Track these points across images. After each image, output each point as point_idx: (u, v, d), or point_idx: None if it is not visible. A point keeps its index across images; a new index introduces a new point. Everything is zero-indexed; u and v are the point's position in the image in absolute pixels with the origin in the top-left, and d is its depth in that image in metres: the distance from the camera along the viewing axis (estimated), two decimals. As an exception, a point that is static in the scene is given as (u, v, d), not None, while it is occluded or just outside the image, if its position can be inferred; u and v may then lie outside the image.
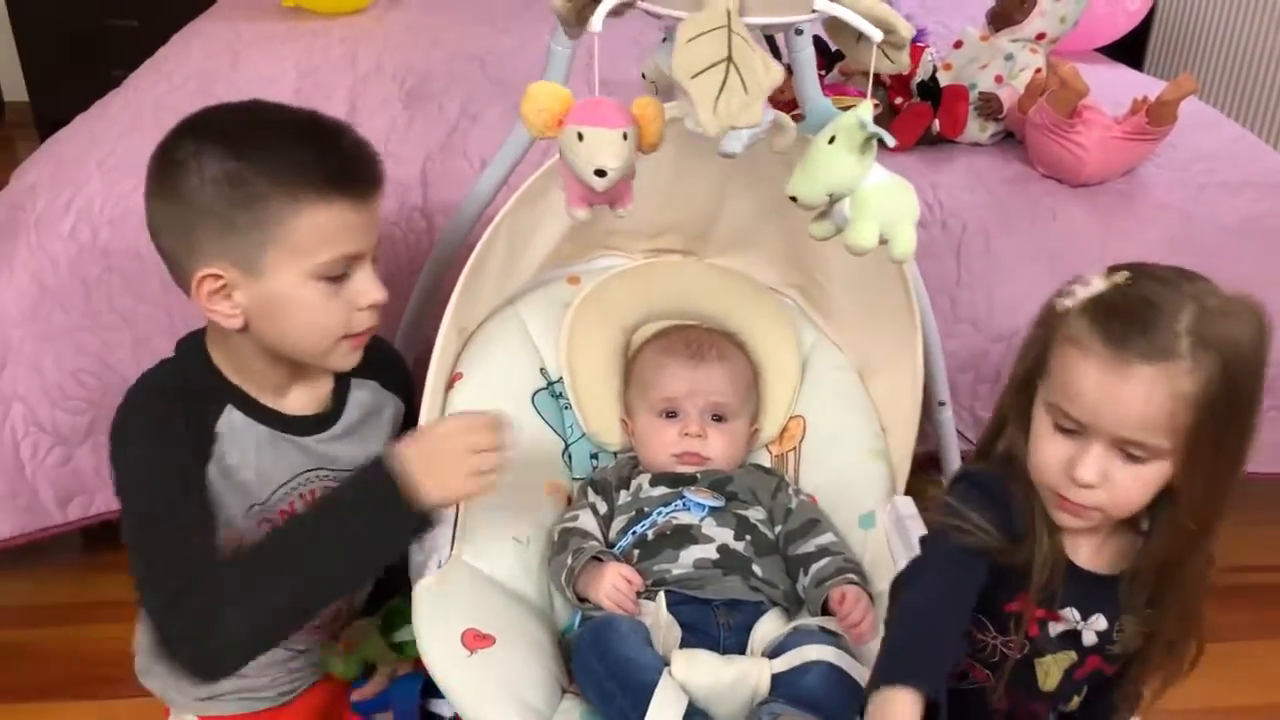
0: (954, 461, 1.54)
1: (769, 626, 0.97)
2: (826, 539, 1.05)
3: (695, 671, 0.88)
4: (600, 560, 0.99)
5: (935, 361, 1.44)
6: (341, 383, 1.05)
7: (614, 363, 1.19)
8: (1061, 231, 1.57)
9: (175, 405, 0.95)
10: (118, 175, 1.49)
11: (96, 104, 1.80)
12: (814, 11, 0.85)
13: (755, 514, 1.06)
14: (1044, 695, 0.92)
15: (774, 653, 0.92)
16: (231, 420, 0.97)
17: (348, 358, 0.98)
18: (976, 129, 1.73)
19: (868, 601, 0.96)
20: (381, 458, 0.89)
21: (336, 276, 0.93)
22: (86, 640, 1.46)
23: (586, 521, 1.05)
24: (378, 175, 0.96)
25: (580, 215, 0.88)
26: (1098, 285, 0.81)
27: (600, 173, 0.81)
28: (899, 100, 1.69)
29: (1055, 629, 0.88)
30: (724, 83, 0.76)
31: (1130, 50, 2.74)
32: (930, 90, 1.70)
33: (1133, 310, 0.78)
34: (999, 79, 1.73)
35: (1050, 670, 0.90)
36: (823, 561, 1.01)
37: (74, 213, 1.45)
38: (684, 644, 0.94)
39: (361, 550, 0.89)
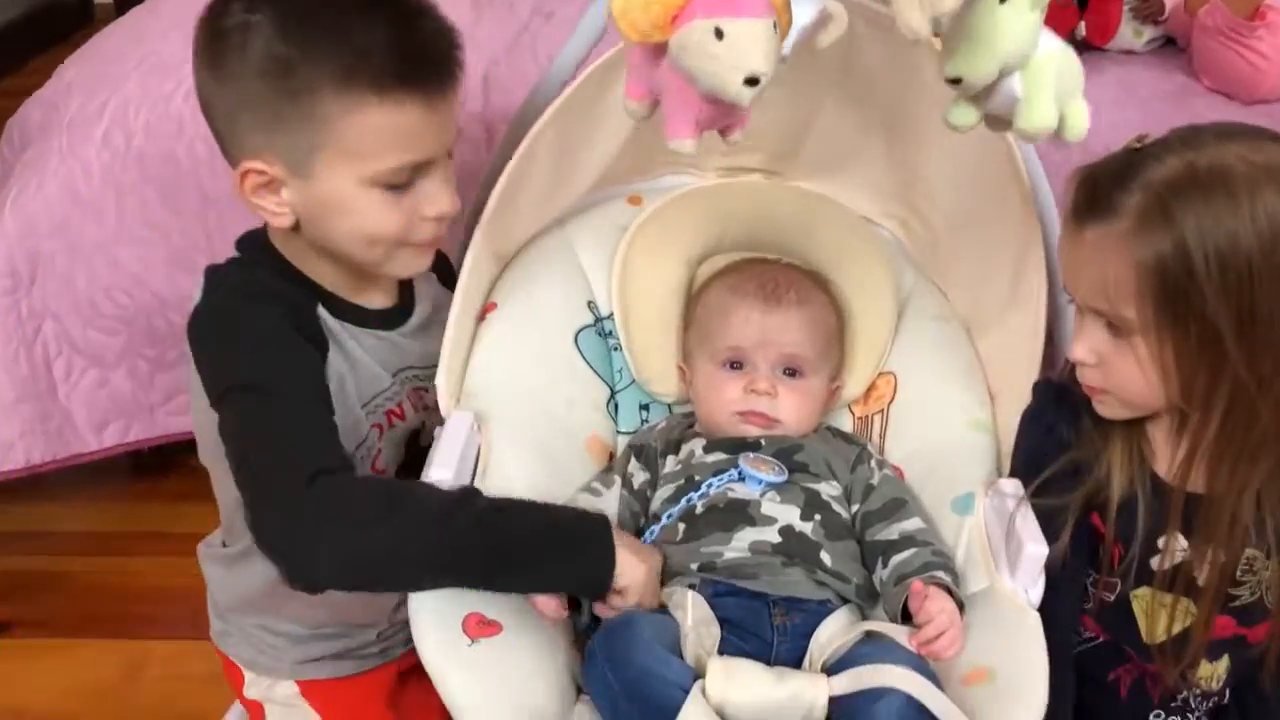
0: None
1: (834, 629, 0.79)
2: (914, 525, 0.86)
3: (735, 687, 0.72)
4: None
5: (1063, 319, 1.23)
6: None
7: (675, 299, 1.01)
8: None
9: (272, 299, 0.84)
10: (158, 76, 1.38)
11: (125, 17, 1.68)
12: None
13: (828, 489, 0.88)
14: (1156, 652, 0.81)
15: (837, 665, 0.76)
16: (325, 318, 0.87)
17: (410, 265, 0.87)
18: (1130, 34, 1.51)
19: (953, 609, 0.78)
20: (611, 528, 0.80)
21: (400, 184, 0.82)
22: (124, 573, 1.41)
23: (608, 502, 0.89)
24: (456, 67, 0.82)
25: (687, 147, 0.69)
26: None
27: (752, 80, 0.63)
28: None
29: (1155, 562, 0.78)
30: None
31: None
32: None
33: (1107, 172, 0.73)
34: None
35: (1156, 615, 0.80)
36: (907, 552, 0.83)
37: (108, 116, 1.36)
38: (725, 648, 0.77)
39: (528, 565, 0.77)
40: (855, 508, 0.89)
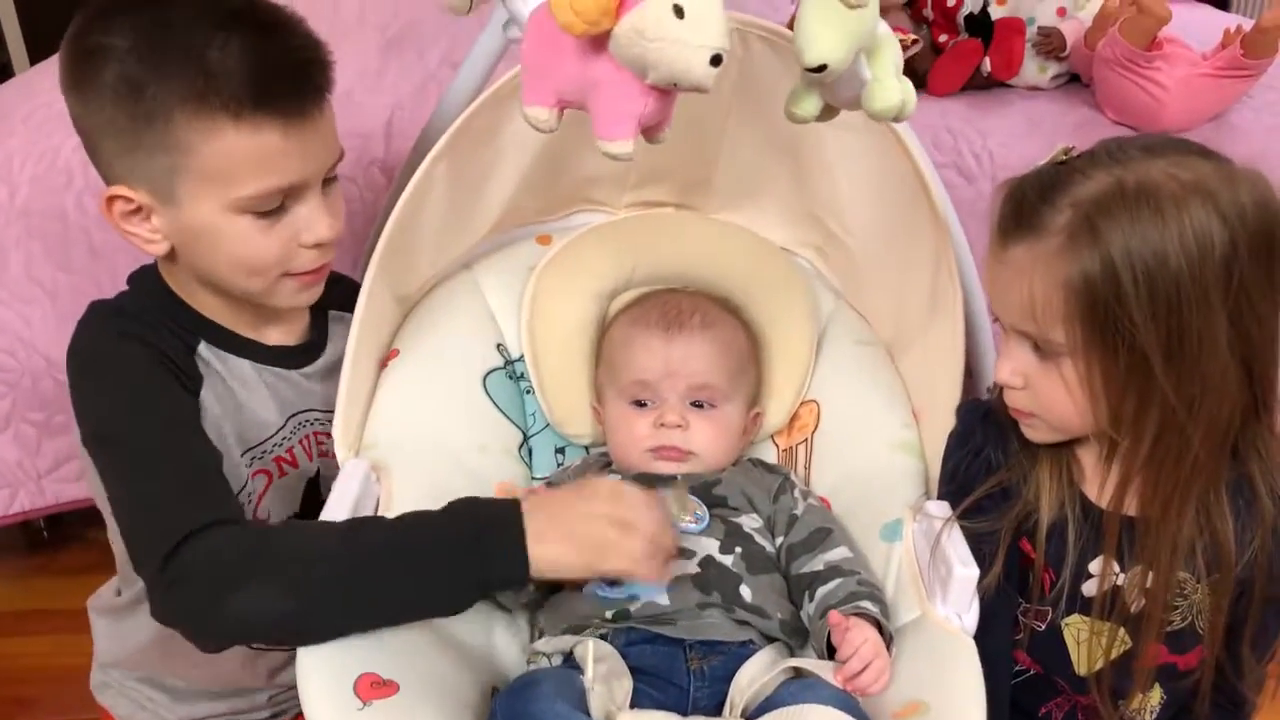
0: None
1: (756, 670, 0.75)
2: (839, 554, 0.82)
3: None
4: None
5: (983, 341, 1.22)
6: (319, 313, 0.92)
7: (585, 337, 0.97)
8: None
9: (148, 334, 0.80)
10: (47, 129, 1.33)
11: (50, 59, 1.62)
12: None
13: (749, 521, 0.85)
14: (1091, 682, 0.78)
15: (760, 709, 0.71)
16: (206, 356, 0.84)
17: (295, 296, 0.84)
18: (1035, 70, 1.53)
19: (877, 640, 0.73)
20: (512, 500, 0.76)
21: (270, 210, 0.78)
22: (7, 656, 1.30)
23: None
24: (320, 86, 0.78)
25: (627, 149, 0.63)
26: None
27: (717, 59, 0.59)
28: (943, 38, 1.51)
29: (1087, 588, 0.76)
30: None
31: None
32: (980, 25, 1.50)
33: (1033, 186, 0.70)
34: (1061, 11, 1.53)
35: (1089, 645, 0.77)
36: (832, 583, 0.79)
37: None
38: (638, 700, 0.72)
39: (435, 576, 0.72)
40: (779, 540, 0.85)
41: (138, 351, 0.78)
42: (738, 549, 0.81)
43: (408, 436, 0.85)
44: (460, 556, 0.73)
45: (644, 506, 0.76)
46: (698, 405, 0.89)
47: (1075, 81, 1.54)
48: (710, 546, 0.80)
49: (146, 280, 0.85)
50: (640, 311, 0.94)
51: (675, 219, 1.05)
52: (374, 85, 1.42)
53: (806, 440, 0.96)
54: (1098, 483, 0.76)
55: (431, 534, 0.73)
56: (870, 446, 0.92)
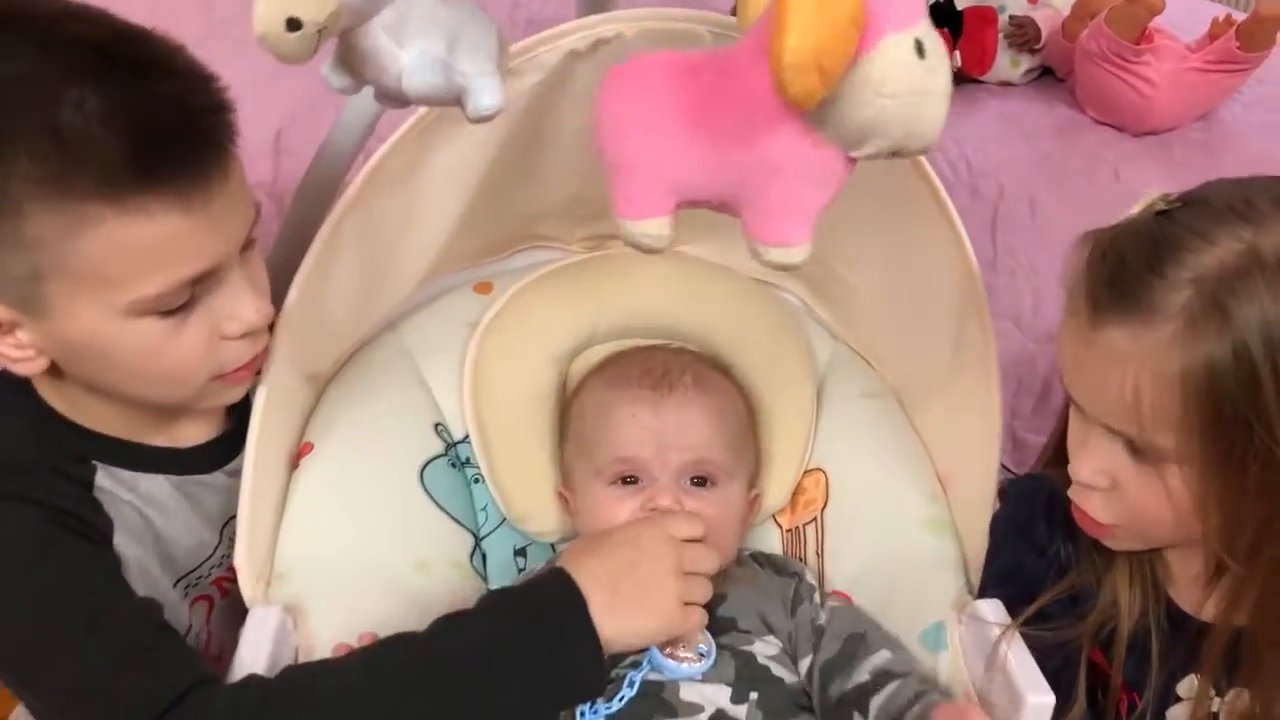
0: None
1: None
2: (883, 658, 0.68)
3: None
4: None
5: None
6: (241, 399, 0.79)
7: (544, 408, 0.81)
8: (1127, 196, 1.24)
9: (29, 487, 0.65)
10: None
11: None
12: None
13: (764, 649, 0.69)
14: None
15: None
16: (106, 486, 0.70)
17: (225, 394, 0.71)
18: (1007, 63, 1.48)
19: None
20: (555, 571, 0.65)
21: (177, 308, 0.64)
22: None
23: None
24: (224, 139, 0.63)
25: (802, 257, 0.52)
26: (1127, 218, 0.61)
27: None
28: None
29: (1174, 713, 0.65)
30: None
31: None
32: (948, 15, 1.42)
33: (1134, 250, 0.58)
34: (1033, 0, 1.52)
35: None
36: (889, 688, 0.65)
37: None
38: None
39: (494, 695, 0.60)
40: (807, 661, 0.69)
41: (21, 513, 0.64)
42: (754, 694, 0.65)
43: (327, 560, 0.68)
44: (522, 660, 0.61)
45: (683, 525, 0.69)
46: (697, 483, 0.73)
47: (1048, 75, 1.47)
48: (719, 696, 0.65)
49: (13, 395, 0.69)
50: (616, 372, 0.78)
51: (640, 259, 0.88)
52: (261, 91, 1.23)
53: (816, 519, 0.81)
54: (1189, 586, 0.64)
55: (475, 640, 0.62)
56: (894, 525, 0.78)
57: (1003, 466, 1.24)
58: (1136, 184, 1.28)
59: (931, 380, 0.82)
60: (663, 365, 0.77)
